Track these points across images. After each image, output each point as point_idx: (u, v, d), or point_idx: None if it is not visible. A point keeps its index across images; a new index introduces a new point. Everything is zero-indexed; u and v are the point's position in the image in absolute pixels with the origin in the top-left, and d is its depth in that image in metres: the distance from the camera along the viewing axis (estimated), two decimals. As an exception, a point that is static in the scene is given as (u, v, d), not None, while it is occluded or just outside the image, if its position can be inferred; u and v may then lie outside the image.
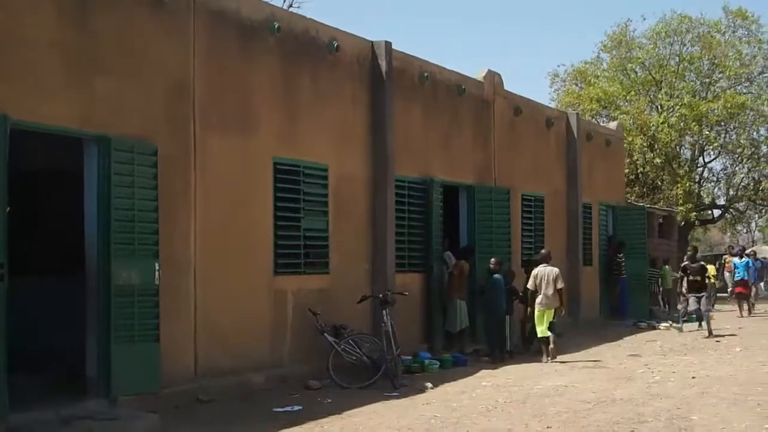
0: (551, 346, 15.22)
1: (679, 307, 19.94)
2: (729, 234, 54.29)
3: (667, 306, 27.04)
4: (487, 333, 16.03)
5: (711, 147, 37.78)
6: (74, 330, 10.48)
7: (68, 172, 11.04)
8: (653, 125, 34.82)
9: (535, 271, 15.70)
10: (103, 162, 10.04)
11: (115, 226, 10.00)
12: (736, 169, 38.70)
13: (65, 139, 10.28)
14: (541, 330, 15.38)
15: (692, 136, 36.49)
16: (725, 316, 24.72)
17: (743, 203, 40.09)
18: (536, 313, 15.52)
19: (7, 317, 8.74)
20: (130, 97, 10.49)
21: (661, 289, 27.45)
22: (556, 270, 15.58)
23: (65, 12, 9.71)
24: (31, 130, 9.50)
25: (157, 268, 10.41)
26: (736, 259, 26.39)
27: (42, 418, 9.16)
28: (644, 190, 36.04)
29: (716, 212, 41.49)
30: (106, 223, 9.99)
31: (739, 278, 25.25)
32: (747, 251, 27.92)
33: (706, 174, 39.49)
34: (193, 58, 11.40)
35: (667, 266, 28.04)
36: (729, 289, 27.16)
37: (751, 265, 25.92)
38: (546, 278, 15.46)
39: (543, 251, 16.48)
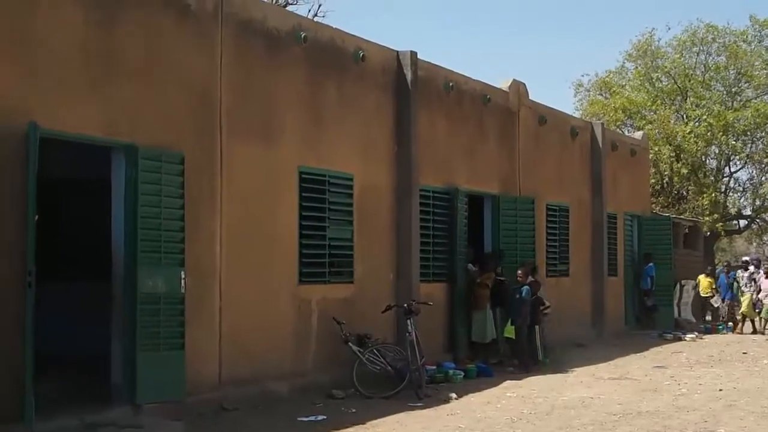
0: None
1: None
2: (755, 244, 53.78)
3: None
4: (515, 343, 15.95)
5: (737, 157, 37.51)
6: (100, 337, 10.53)
7: (95, 180, 11.11)
8: (679, 135, 34.62)
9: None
10: (130, 170, 10.09)
11: (141, 234, 10.03)
12: (763, 179, 38.39)
13: (93, 148, 10.34)
14: None
15: (719, 146, 36.24)
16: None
17: (770, 213, 39.74)
18: None
19: (34, 323, 8.78)
20: (157, 105, 10.54)
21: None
22: None
23: (93, 21, 9.77)
24: (59, 139, 9.57)
25: (183, 276, 10.44)
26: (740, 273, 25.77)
27: (66, 425, 9.20)
28: (669, 200, 35.81)
29: (742, 222, 41.16)
30: (133, 231, 10.03)
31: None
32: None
33: (732, 184, 39.22)
34: (219, 67, 11.43)
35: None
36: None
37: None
38: None
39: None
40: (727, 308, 24.77)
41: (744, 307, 23.98)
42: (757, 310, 23.79)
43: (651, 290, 23.66)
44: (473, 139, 17.06)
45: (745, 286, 24.12)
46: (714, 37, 37.12)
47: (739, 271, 24.95)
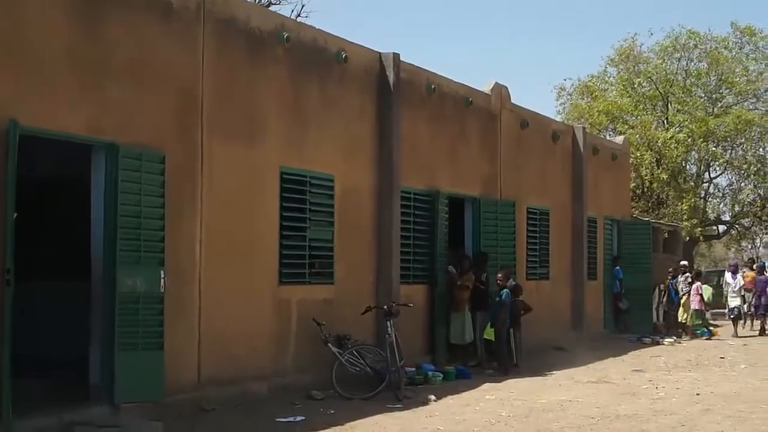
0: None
1: None
2: (734, 250, 54.11)
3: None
4: (495, 346, 15.98)
5: (717, 163, 37.74)
6: (78, 336, 10.48)
7: (75, 178, 11.06)
8: (660, 140, 34.79)
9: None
10: (111, 169, 10.05)
11: (121, 233, 10.00)
12: (742, 185, 38.64)
13: (73, 146, 10.29)
14: None
15: (699, 152, 36.45)
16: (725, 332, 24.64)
17: (749, 219, 39.98)
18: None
19: (12, 322, 8.73)
20: (139, 105, 10.51)
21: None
22: None
23: (76, 20, 9.73)
24: (40, 137, 9.52)
25: (162, 275, 10.41)
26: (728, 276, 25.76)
27: (45, 425, 9.16)
28: (649, 205, 35.99)
29: (721, 228, 41.42)
30: (113, 230, 9.99)
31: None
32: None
33: (711, 189, 39.45)
34: (201, 67, 11.41)
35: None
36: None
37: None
38: None
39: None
40: (672, 313, 24.66)
41: (684, 315, 23.67)
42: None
43: (621, 293, 23.75)
44: (455, 142, 17.09)
45: (681, 290, 23.94)
46: (696, 43, 37.32)
47: (679, 276, 24.56)
